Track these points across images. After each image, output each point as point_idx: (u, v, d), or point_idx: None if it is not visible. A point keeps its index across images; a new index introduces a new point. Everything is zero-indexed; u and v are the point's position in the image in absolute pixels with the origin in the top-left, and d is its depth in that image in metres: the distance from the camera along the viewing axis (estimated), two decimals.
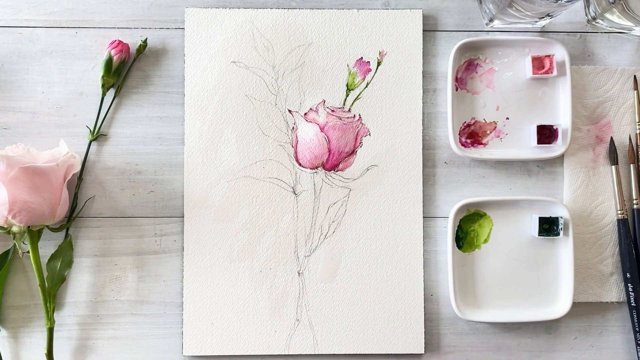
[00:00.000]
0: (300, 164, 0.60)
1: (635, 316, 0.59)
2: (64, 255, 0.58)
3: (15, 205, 0.53)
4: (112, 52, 0.58)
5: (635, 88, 0.61)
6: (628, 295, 0.60)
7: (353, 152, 0.60)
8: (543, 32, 0.61)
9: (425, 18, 0.61)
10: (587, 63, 0.61)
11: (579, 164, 0.61)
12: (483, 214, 0.60)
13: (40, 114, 0.60)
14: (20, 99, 0.60)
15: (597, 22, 0.60)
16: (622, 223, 0.60)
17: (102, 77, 0.59)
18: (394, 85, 0.60)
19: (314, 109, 0.60)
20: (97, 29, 0.60)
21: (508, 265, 0.60)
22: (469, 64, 0.61)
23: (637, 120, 0.61)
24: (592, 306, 0.61)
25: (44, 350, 0.57)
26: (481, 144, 0.61)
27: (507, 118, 0.60)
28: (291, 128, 0.60)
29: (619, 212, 0.60)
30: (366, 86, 0.60)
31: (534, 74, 0.59)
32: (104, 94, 0.59)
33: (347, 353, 0.59)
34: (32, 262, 0.56)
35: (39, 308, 0.59)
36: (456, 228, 0.60)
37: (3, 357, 0.59)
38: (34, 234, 0.56)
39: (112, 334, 0.60)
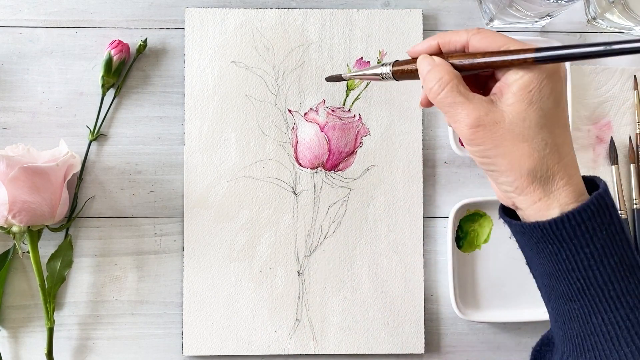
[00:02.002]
0: (300, 164, 0.60)
1: None
2: (64, 255, 0.58)
3: (15, 205, 0.53)
4: (112, 52, 0.58)
5: (636, 88, 0.61)
6: None
7: (353, 152, 0.60)
8: (543, 32, 0.61)
9: (425, 18, 0.61)
10: (587, 63, 0.61)
11: (579, 164, 0.60)
12: (483, 214, 0.60)
13: (40, 114, 0.60)
14: (20, 99, 0.60)
15: (597, 22, 0.60)
16: None
17: (102, 77, 0.59)
18: (394, 85, 0.60)
19: (314, 109, 0.60)
20: (97, 29, 0.60)
21: (508, 265, 0.60)
22: None
23: (637, 120, 0.61)
24: None
25: (44, 350, 0.57)
26: None
27: None
28: (291, 128, 0.60)
29: (619, 212, 0.60)
30: (366, 86, 0.60)
31: None
32: (104, 94, 0.59)
33: (347, 353, 0.59)
34: (32, 262, 0.56)
35: (39, 308, 0.59)
36: (456, 228, 0.60)
37: (3, 357, 0.59)
38: (34, 234, 0.56)
39: (112, 334, 0.60)
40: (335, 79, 0.57)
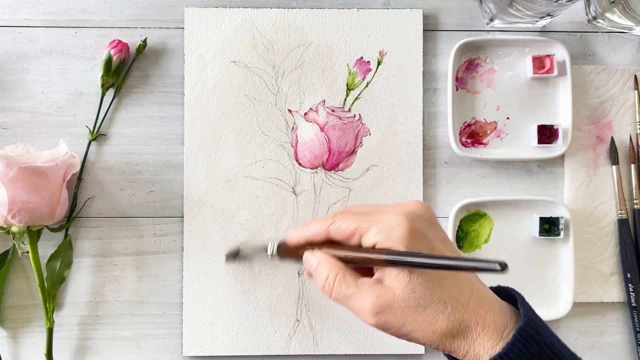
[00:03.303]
0: (300, 164, 0.60)
1: (635, 316, 0.59)
2: (64, 255, 0.58)
3: (14, 205, 0.53)
4: (112, 51, 0.58)
5: (636, 88, 0.61)
6: (629, 296, 0.59)
7: (353, 152, 0.60)
8: (543, 31, 0.61)
9: (425, 18, 0.61)
10: (587, 63, 0.61)
11: (580, 164, 0.60)
12: (483, 214, 0.60)
13: (40, 114, 0.60)
14: (19, 99, 0.60)
15: (598, 22, 0.60)
16: (622, 223, 0.60)
17: (102, 76, 0.58)
18: (394, 85, 0.60)
19: (314, 109, 0.60)
20: (96, 29, 0.60)
21: (508, 265, 0.60)
22: (469, 63, 0.60)
23: (637, 120, 0.61)
24: (592, 306, 0.61)
25: (44, 351, 0.57)
26: (481, 143, 0.60)
27: (508, 118, 0.60)
28: (291, 128, 0.60)
29: (620, 212, 0.60)
30: (366, 86, 0.60)
31: (534, 73, 0.59)
32: (103, 94, 0.59)
33: (347, 353, 0.59)
34: (32, 262, 0.56)
35: (39, 308, 0.59)
36: (456, 228, 0.60)
37: (3, 357, 0.59)
38: (34, 234, 0.56)
39: (111, 334, 0.59)
40: (233, 255, 0.58)
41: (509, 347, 0.38)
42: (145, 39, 0.59)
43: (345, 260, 0.43)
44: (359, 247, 0.42)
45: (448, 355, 0.42)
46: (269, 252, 0.50)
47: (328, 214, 0.44)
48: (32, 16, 0.60)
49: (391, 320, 0.40)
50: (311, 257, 0.44)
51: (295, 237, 0.46)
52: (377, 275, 0.42)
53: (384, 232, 0.40)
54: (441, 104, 0.61)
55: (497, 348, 0.39)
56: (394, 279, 0.40)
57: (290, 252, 0.48)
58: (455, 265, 0.38)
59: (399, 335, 0.41)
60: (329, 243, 0.44)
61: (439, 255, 0.39)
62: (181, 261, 0.59)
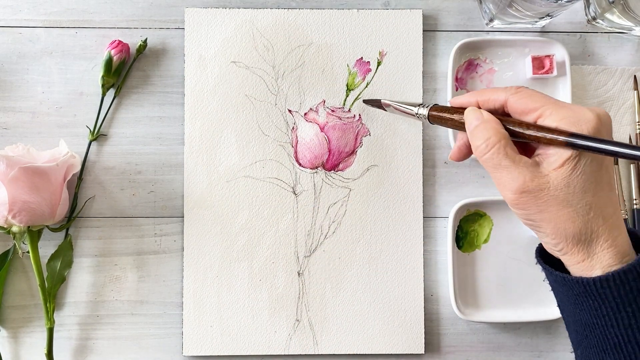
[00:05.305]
0: (300, 164, 0.60)
1: None
2: (64, 255, 0.58)
3: (15, 205, 0.53)
4: (112, 52, 0.58)
5: (635, 88, 0.61)
6: None
7: (353, 152, 0.60)
8: (543, 32, 0.61)
9: (425, 18, 0.61)
10: (587, 63, 0.61)
11: None
12: (483, 214, 0.60)
13: (40, 114, 0.60)
14: (20, 99, 0.60)
15: (597, 22, 0.60)
16: None
17: (102, 77, 0.59)
18: (394, 85, 0.60)
19: (314, 109, 0.60)
20: (97, 29, 0.60)
21: (508, 265, 0.60)
22: (469, 64, 0.61)
23: (637, 120, 0.61)
24: None
25: (44, 350, 0.57)
26: None
27: None
28: (291, 128, 0.60)
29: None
30: (366, 86, 0.60)
31: (534, 74, 0.59)
32: (104, 94, 0.59)
33: (347, 353, 0.59)
34: (32, 262, 0.56)
35: (39, 308, 0.59)
36: (456, 228, 0.60)
37: (3, 357, 0.59)
38: (34, 234, 0.56)
39: (112, 334, 0.60)
40: (373, 103, 0.58)
41: (628, 268, 0.39)
42: (146, 39, 0.59)
43: (512, 133, 0.42)
44: (532, 125, 0.41)
45: (546, 261, 0.43)
46: (417, 112, 0.49)
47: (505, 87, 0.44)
48: (33, 16, 0.60)
49: (531, 203, 0.40)
50: (476, 114, 0.43)
51: (462, 99, 0.45)
52: (535, 158, 0.41)
53: (571, 120, 0.39)
54: (441, 104, 0.61)
55: (614, 267, 0.40)
56: (553, 169, 0.40)
57: (445, 117, 0.46)
58: None
59: (528, 219, 0.41)
60: (497, 114, 0.43)
61: (631, 145, 0.38)
62: (181, 261, 0.60)
